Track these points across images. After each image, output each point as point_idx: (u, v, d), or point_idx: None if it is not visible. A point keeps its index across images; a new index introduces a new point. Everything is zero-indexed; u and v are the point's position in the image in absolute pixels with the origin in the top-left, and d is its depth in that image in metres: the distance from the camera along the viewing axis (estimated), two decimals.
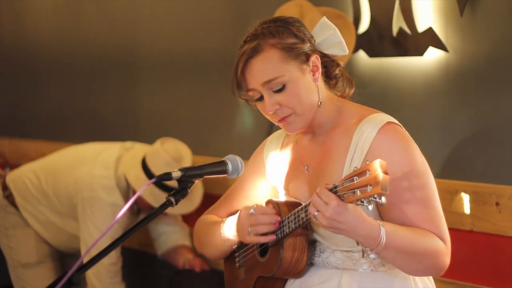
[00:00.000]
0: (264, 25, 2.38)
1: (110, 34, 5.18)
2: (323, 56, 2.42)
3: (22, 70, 6.00)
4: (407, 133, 2.34)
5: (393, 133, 2.30)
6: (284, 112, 2.36)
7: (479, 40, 3.28)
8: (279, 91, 2.34)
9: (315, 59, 2.37)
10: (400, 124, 2.34)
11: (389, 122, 2.31)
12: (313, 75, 2.37)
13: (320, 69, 2.38)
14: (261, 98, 2.37)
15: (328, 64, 2.43)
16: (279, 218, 2.37)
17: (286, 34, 2.35)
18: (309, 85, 2.36)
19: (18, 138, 5.97)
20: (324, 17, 2.43)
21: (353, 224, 2.14)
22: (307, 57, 2.36)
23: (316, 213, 2.14)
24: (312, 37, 2.40)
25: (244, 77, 2.36)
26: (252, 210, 2.40)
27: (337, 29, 2.41)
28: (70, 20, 5.48)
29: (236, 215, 2.50)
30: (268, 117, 2.40)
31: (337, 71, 2.45)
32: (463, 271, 3.26)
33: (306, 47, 2.36)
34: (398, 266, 2.29)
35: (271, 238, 2.38)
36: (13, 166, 5.59)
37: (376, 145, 2.28)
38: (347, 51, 2.44)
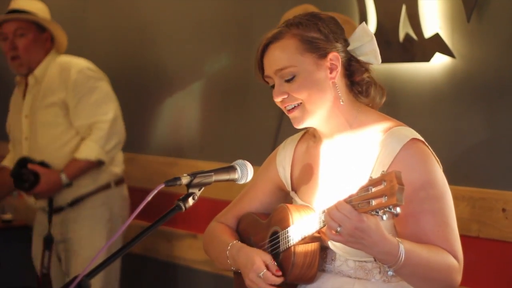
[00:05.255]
0: (296, 17, 2.42)
1: (115, 39, 5.18)
2: (353, 60, 2.42)
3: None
4: (430, 149, 2.34)
5: (416, 150, 2.30)
6: (291, 101, 2.37)
7: (486, 46, 3.28)
8: (289, 80, 2.35)
9: (333, 57, 2.36)
10: (424, 141, 2.33)
11: (413, 139, 2.31)
12: (330, 72, 2.37)
13: (339, 68, 2.37)
14: (273, 86, 2.40)
15: (355, 69, 2.42)
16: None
17: (311, 28, 2.37)
18: (322, 81, 2.36)
19: None
20: (364, 23, 2.43)
21: (374, 240, 2.12)
22: (326, 53, 2.36)
23: (339, 228, 2.11)
24: (344, 39, 2.41)
25: (263, 62, 2.40)
26: (261, 274, 2.38)
27: (374, 37, 2.41)
28: (74, 26, 5.49)
29: (240, 248, 2.49)
30: (278, 105, 2.42)
31: (364, 76, 2.43)
32: (469, 277, 3.25)
33: (328, 44, 2.37)
34: (413, 284, 2.29)
35: None
36: None
37: (398, 160, 2.27)
38: (380, 61, 2.43)
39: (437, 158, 2.35)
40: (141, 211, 2.11)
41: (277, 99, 2.38)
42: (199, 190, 2.25)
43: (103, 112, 4.28)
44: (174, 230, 4.70)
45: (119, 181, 4.44)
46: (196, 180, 2.25)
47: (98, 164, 4.26)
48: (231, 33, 4.39)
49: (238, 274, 2.62)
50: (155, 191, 2.13)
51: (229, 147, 4.42)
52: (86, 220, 4.32)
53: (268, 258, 2.41)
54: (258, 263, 2.39)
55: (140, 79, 5.02)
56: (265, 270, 2.38)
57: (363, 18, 3.64)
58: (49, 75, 4.31)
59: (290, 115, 2.40)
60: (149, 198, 2.13)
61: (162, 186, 2.18)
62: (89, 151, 4.23)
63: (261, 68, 2.42)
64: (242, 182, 2.35)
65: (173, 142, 4.82)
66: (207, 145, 4.59)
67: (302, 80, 2.35)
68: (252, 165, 2.38)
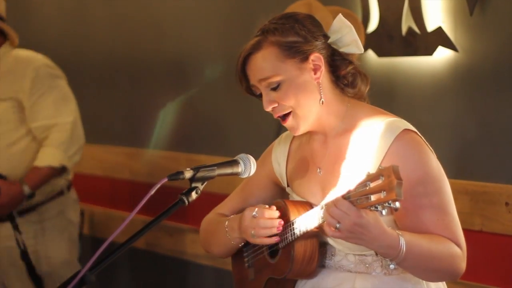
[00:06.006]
0: (272, 21, 2.40)
1: (116, 35, 5.18)
2: (335, 54, 2.41)
3: None
4: (424, 139, 2.33)
5: (409, 140, 2.29)
6: (281, 110, 2.37)
7: (489, 40, 3.27)
8: (275, 89, 2.35)
9: (315, 57, 2.36)
10: (417, 131, 2.33)
11: (405, 130, 2.30)
12: (314, 73, 2.36)
13: (323, 68, 2.37)
14: (261, 95, 2.40)
15: (340, 63, 2.42)
16: (282, 222, 2.37)
17: (288, 32, 2.35)
18: (308, 84, 2.36)
19: None
20: (340, 14, 2.42)
21: (374, 235, 2.13)
22: (307, 55, 2.35)
23: (338, 225, 2.12)
24: (323, 35, 2.39)
25: (245, 73, 2.40)
26: (254, 213, 2.40)
27: (352, 27, 2.40)
28: (75, 21, 5.49)
29: (238, 215, 2.50)
30: (271, 112, 2.42)
31: (349, 69, 2.42)
32: (472, 272, 3.24)
33: (308, 45, 2.36)
34: (417, 275, 2.29)
35: (274, 239, 2.39)
36: None
37: (392, 151, 2.27)
38: (363, 49, 2.42)
39: (431, 148, 2.34)
40: (144, 206, 2.11)
41: (268, 109, 2.38)
42: (202, 184, 2.25)
43: (63, 113, 4.03)
44: (177, 224, 4.70)
45: (70, 185, 4.21)
46: (199, 174, 2.25)
47: (61, 171, 4.01)
48: (235, 29, 4.38)
49: (236, 265, 2.62)
50: (158, 185, 2.13)
51: (232, 142, 4.42)
52: (45, 235, 4.06)
53: (258, 205, 2.43)
54: (249, 208, 2.42)
55: (143, 74, 5.01)
56: (257, 208, 2.40)
57: (366, 11, 3.63)
58: (2, 68, 4.04)
59: (285, 125, 2.40)
60: (152, 192, 2.13)
61: (165, 180, 2.17)
62: (51, 157, 3.96)
63: (243, 79, 2.41)
64: (245, 176, 2.35)
65: (176, 136, 4.82)
66: (209, 139, 4.59)
67: (287, 87, 2.34)
68: (255, 159, 2.39)
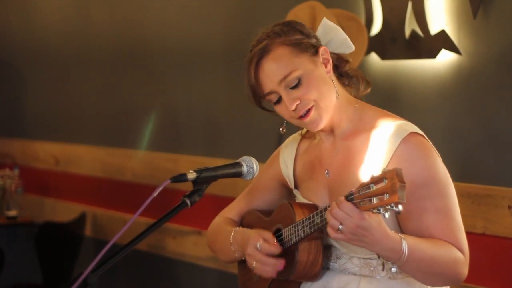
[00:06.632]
0: (267, 30, 2.39)
1: (118, 30, 5.18)
2: (332, 53, 2.41)
3: (32, 69, 6.00)
4: (430, 143, 2.33)
5: (415, 143, 2.28)
6: (305, 105, 2.32)
7: (492, 43, 3.27)
8: (296, 86, 2.32)
9: (324, 51, 2.36)
10: (423, 135, 2.32)
11: (412, 133, 2.29)
12: (326, 67, 2.36)
13: (331, 61, 2.37)
14: (279, 100, 2.35)
15: (338, 62, 2.42)
16: (283, 263, 2.36)
17: (291, 32, 2.35)
18: (324, 76, 2.35)
19: (28, 139, 5.97)
20: (324, 18, 2.42)
21: (376, 238, 2.12)
22: (316, 49, 2.35)
23: (340, 226, 2.11)
24: (317, 37, 2.40)
25: (259, 81, 2.35)
26: (258, 245, 2.38)
27: (339, 28, 2.40)
28: (77, 17, 5.49)
29: (244, 231, 2.50)
30: (288, 118, 2.36)
31: (346, 68, 2.43)
32: (474, 275, 3.24)
33: (313, 40, 2.37)
34: (418, 279, 2.28)
35: (272, 275, 2.39)
36: (22, 167, 5.60)
37: (398, 154, 2.26)
38: (353, 47, 2.42)
39: (437, 152, 2.34)
40: (146, 208, 2.11)
41: (292, 107, 2.32)
42: (205, 187, 2.25)
43: None
44: (179, 226, 4.70)
45: None
46: (202, 176, 2.24)
47: None
48: (236, 30, 4.39)
49: (242, 267, 2.62)
50: (161, 187, 2.12)
51: (234, 144, 4.42)
52: None
53: (266, 233, 2.40)
54: (255, 236, 2.40)
55: (144, 76, 5.02)
56: (262, 241, 2.38)
57: (369, 14, 3.64)
58: None
59: (307, 120, 2.33)
60: (155, 194, 2.12)
61: (168, 182, 2.17)
62: None
63: (257, 89, 2.35)
64: (248, 178, 2.34)
65: (178, 138, 4.82)
66: (212, 142, 4.59)
67: (308, 81, 2.32)
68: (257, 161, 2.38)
